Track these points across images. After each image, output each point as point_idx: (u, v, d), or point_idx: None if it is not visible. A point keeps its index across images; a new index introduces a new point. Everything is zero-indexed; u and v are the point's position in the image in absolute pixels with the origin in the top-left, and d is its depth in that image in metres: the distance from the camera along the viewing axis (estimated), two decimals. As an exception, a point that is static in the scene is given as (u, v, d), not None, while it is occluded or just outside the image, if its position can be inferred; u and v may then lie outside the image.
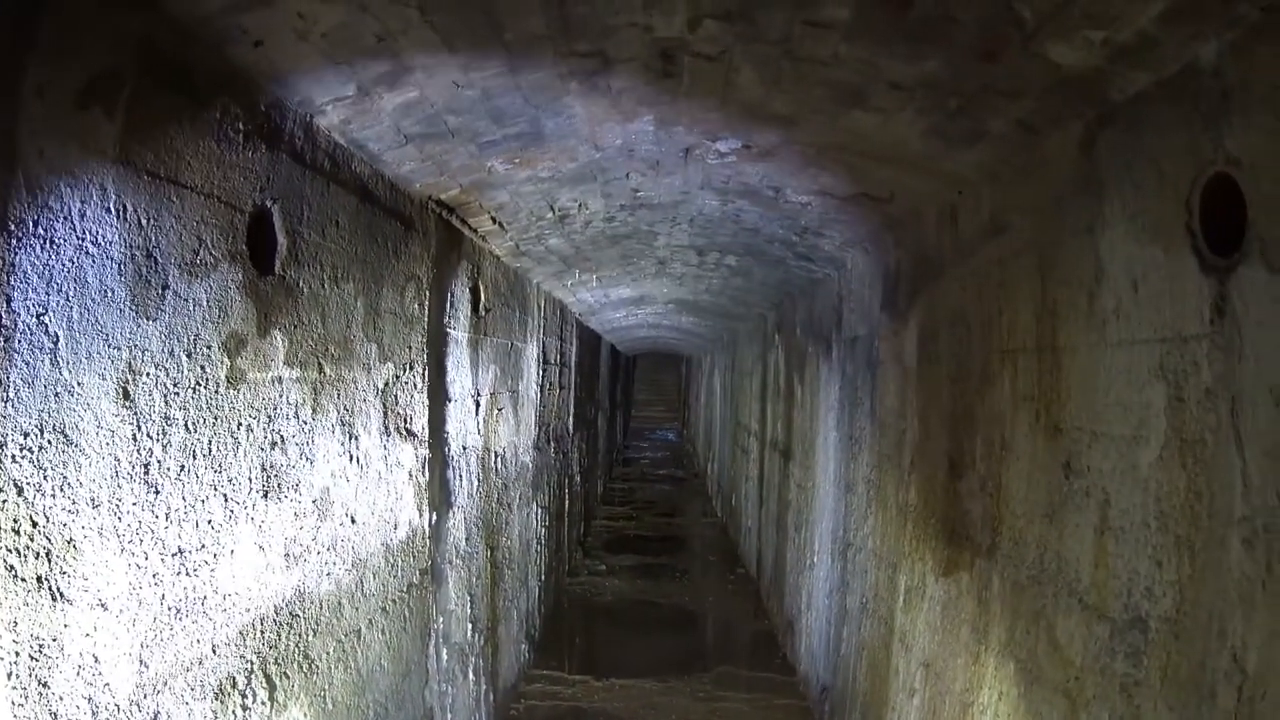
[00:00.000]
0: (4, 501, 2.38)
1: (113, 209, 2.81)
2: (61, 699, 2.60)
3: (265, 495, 3.87)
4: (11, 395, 2.40)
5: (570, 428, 15.14)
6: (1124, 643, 3.43)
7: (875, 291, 7.37)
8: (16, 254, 2.41)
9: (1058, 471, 4.01)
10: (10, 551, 2.40)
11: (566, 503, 14.87)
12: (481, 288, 7.68)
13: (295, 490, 4.17)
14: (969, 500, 5.09)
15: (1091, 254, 3.75)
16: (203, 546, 3.36)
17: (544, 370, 11.76)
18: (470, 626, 7.74)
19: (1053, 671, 4.00)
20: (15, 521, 2.42)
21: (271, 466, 3.92)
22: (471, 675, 7.80)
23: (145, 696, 3.01)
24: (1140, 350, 3.38)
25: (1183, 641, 3.08)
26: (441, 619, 6.72)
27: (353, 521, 4.86)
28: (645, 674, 10.84)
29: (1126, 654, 3.41)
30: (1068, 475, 3.92)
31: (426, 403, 6.13)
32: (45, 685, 2.53)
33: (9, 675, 2.40)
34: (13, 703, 2.41)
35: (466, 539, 7.53)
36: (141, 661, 2.99)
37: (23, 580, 2.44)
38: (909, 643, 6.17)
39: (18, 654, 2.43)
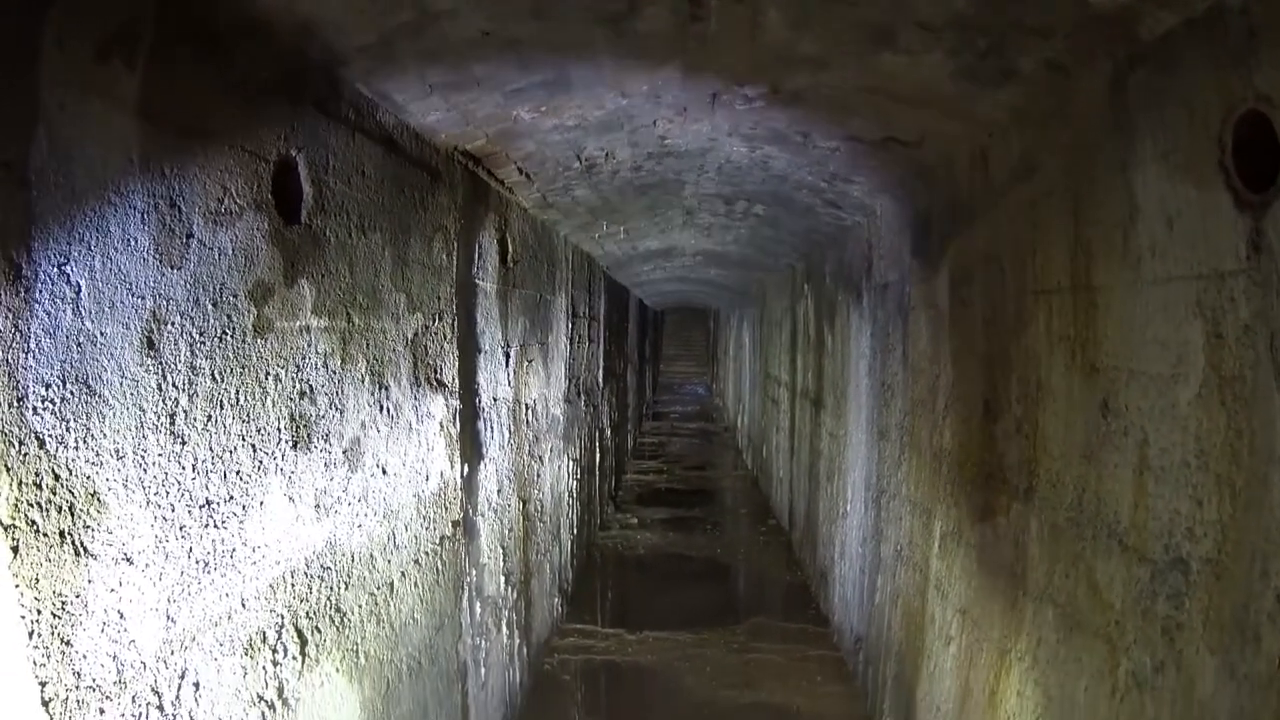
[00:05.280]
0: (25, 454, 2.33)
1: (135, 160, 2.77)
2: (85, 657, 2.55)
3: (294, 445, 3.83)
4: (33, 346, 2.36)
5: (600, 381, 15.11)
6: (1165, 585, 3.37)
7: (906, 237, 7.29)
8: (38, 205, 2.37)
9: (1095, 411, 3.94)
10: (32, 506, 2.35)
11: (597, 456, 14.87)
12: (509, 240, 7.62)
13: (325, 440, 4.14)
14: (1004, 443, 5.02)
15: (1124, 193, 3.67)
16: (231, 498, 3.32)
17: (573, 323, 11.72)
18: (503, 580, 7.73)
19: (1092, 616, 3.94)
20: (37, 475, 2.37)
21: (300, 416, 3.89)
22: (505, 629, 7.79)
23: (172, 653, 2.97)
24: (1176, 287, 3.31)
25: (1225, 583, 3.02)
26: (474, 572, 6.70)
27: (384, 472, 4.83)
28: (678, 626, 10.78)
29: (1167, 596, 3.35)
30: (1105, 415, 3.85)
31: (456, 354, 6.09)
32: (68, 644, 2.48)
33: (31, 634, 2.35)
34: (34, 662, 2.36)
35: (498, 491, 7.51)
36: (168, 617, 2.95)
37: (45, 535, 2.40)
38: (945, 590, 6.11)
39: (40, 612, 2.38)
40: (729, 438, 28.96)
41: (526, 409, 8.72)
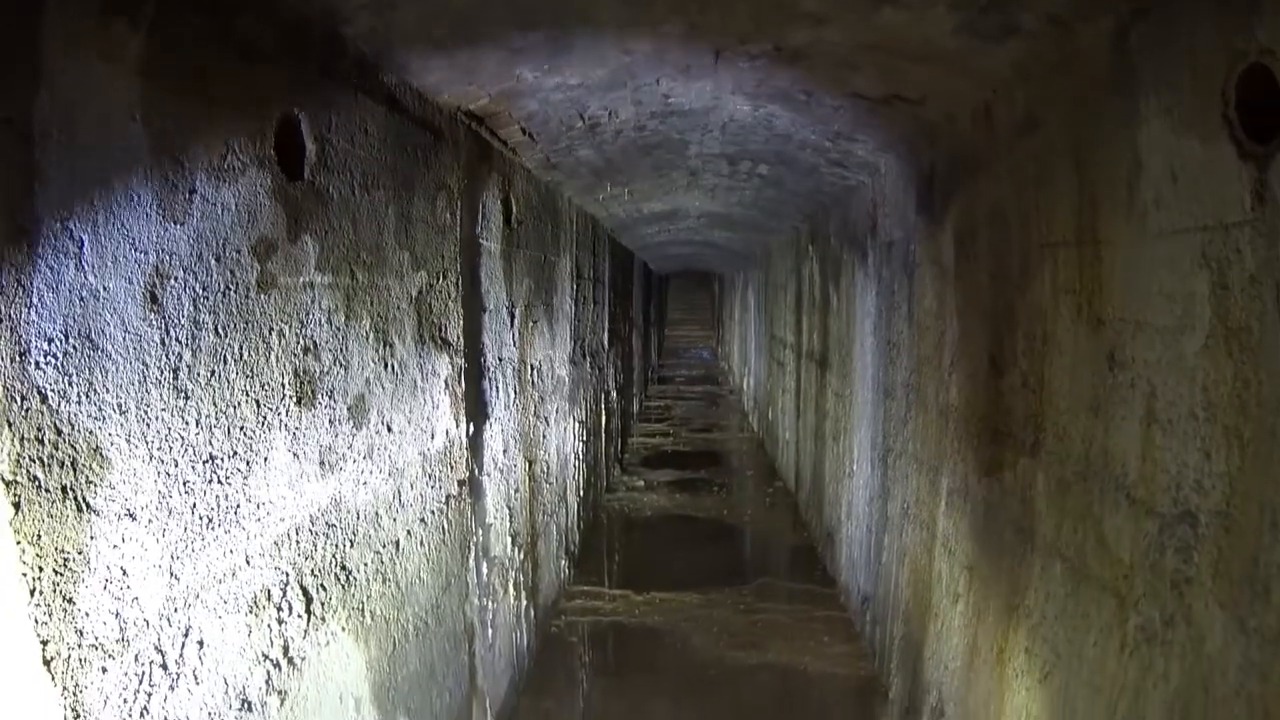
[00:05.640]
0: (27, 409, 2.31)
1: (138, 118, 2.76)
2: (87, 615, 2.54)
3: (299, 401, 3.82)
4: (35, 301, 2.34)
5: (605, 343, 15.10)
6: (1173, 538, 3.35)
7: (910, 195, 7.25)
8: (41, 161, 2.35)
9: (1102, 364, 3.92)
10: (33, 461, 2.33)
11: (603, 418, 14.87)
12: (512, 200, 7.59)
13: (330, 397, 4.13)
14: (1011, 397, 5.00)
15: (1128, 147, 3.65)
16: (235, 454, 3.31)
17: (578, 285, 11.68)
18: (510, 540, 7.73)
19: (1101, 570, 3.92)
20: (39, 430, 2.35)
21: (305, 372, 3.88)
22: (511, 590, 7.80)
23: (176, 610, 2.95)
24: (1182, 240, 3.29)
25: (1234, 536, 3.00)
26: (480, 532, 6.70)
27: (389, 430, 4.82)
28: (685, 588, 10.79)
29: (1176, 549, 3.33)
30: (1112, 367, 3.83)
31: (461, 312, 6.08)
32: (70, 601, 2.47)
33: (32, 591, 2.33)
34: (36, 620, 2.35)
35: (504, 451, 7.50)
36: (172, 574, 2.94)
37: (47, 491, 2.38)
38: (952, 547, 6.10)
39: (41, 569, 2.36)
40: (735, 400, 28.99)
41: (532, 370, 8.71)
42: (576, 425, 11.80)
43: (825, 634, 9.52)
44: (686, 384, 34.26)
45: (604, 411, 14.97)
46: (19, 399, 2.29)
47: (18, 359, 2.29)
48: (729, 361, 35.60)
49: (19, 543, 2.29)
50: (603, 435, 14.84)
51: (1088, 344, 4.07)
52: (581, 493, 12.25)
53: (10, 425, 2.26)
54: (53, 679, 2.40)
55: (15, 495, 2.28)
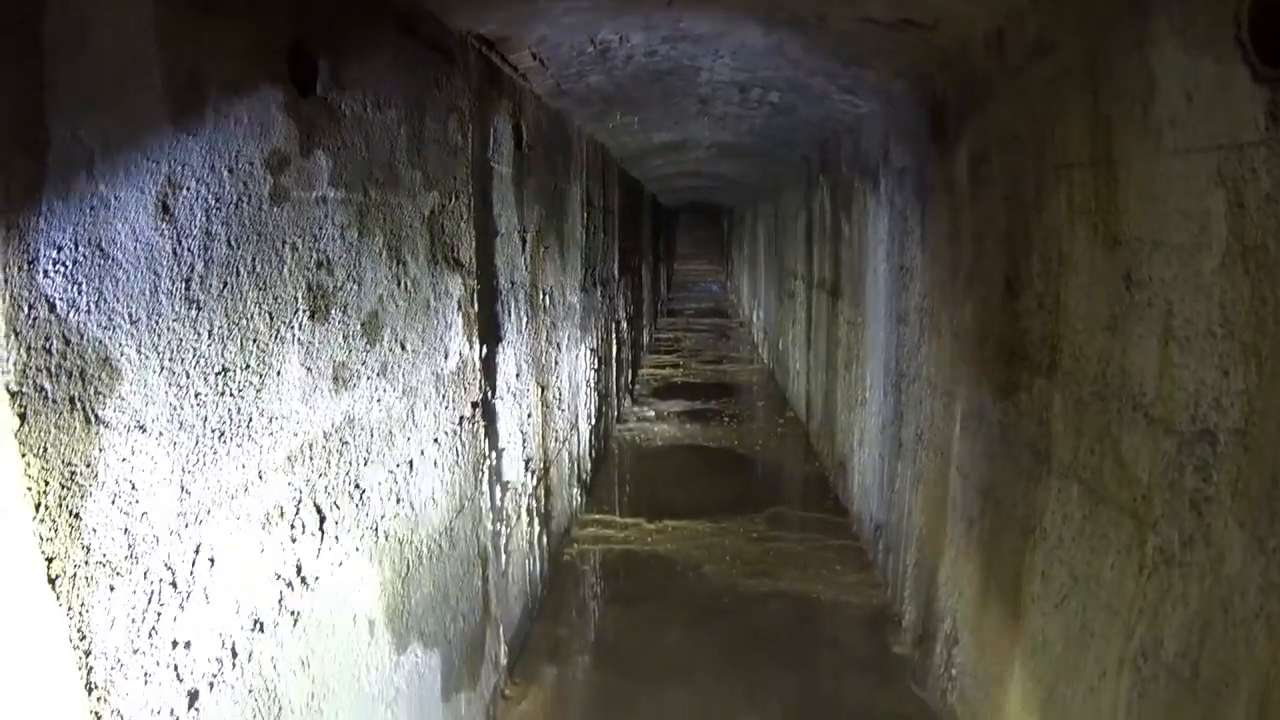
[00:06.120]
0: (34, 318, 2.26)
1: (151, 30, 2.70)
2: (95, 531, 2.48)
3: (312, 316, 3.77)
4: (44, 209, 2.29)
5: (615, 273, 15.04)
6: (1192, 457, 3.33)
7: (922, 121, 7.17)
8: (51, 71, 2.30)
9: (1118, 283, 3.88)
10: (40, 371, 2.28)
11: (614, 348, 14.84)
12: (523, 126, 7.50)
13: (343, 312, 4.08)
14: (1027, 319, 4.94)
15: (1143, 69, 3.62)
16: (248, 366, 3.26)
17: (588, 214, 11.59)
18: (523, 466, 7.72)
19: (1119, 491, 3.89)
20: (46, 339, 2.30)
21: (318, 287, 3.83)
22: (525, 516, 7.81)
23: (186, 526, 2.91)
24: (1197, 159, 3.27)
25: (1253, 454, 2.98)
26: (494, 455, 6.68)
27: (402, 348, 4.78)
28: (697, 516, 10.81)
29: (1195, 468, 3.31)
30: (1129, 287, 3.79)
31: (473, 234, 6.03)
32: (77, 516, 2.42)
33: (37, 507, 2.28)
34: (40, 537, 2.29)
35: (517, 375, 7.48)
36: (183, 488, 2.89)
37: (54, 402, 2.33)
38: (966, 471, 6.06)
39: (47, 483, 2.31)
40: (744, 333, 28.97)
41: (544, 295, 8.67)
42: (588, 353, 11.77)
43: (837, 562, 9.54)
44: (695, 317, 34.26)
45: (614, 341, 14.94)
46: (26, 308, 2.24)
47: (25, 267, 2.24)
48: (738, 294, 35.57)
49: (24, 455, 2.24)
50: (613, 365, 14.82)
51: (1104, 264, 4.03)
52: (593, 421, 12.25)
53: (17, 334, 2.21)
54: (58, 598, 2.35)
55: (21, 406, 2.23)
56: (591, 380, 12.10)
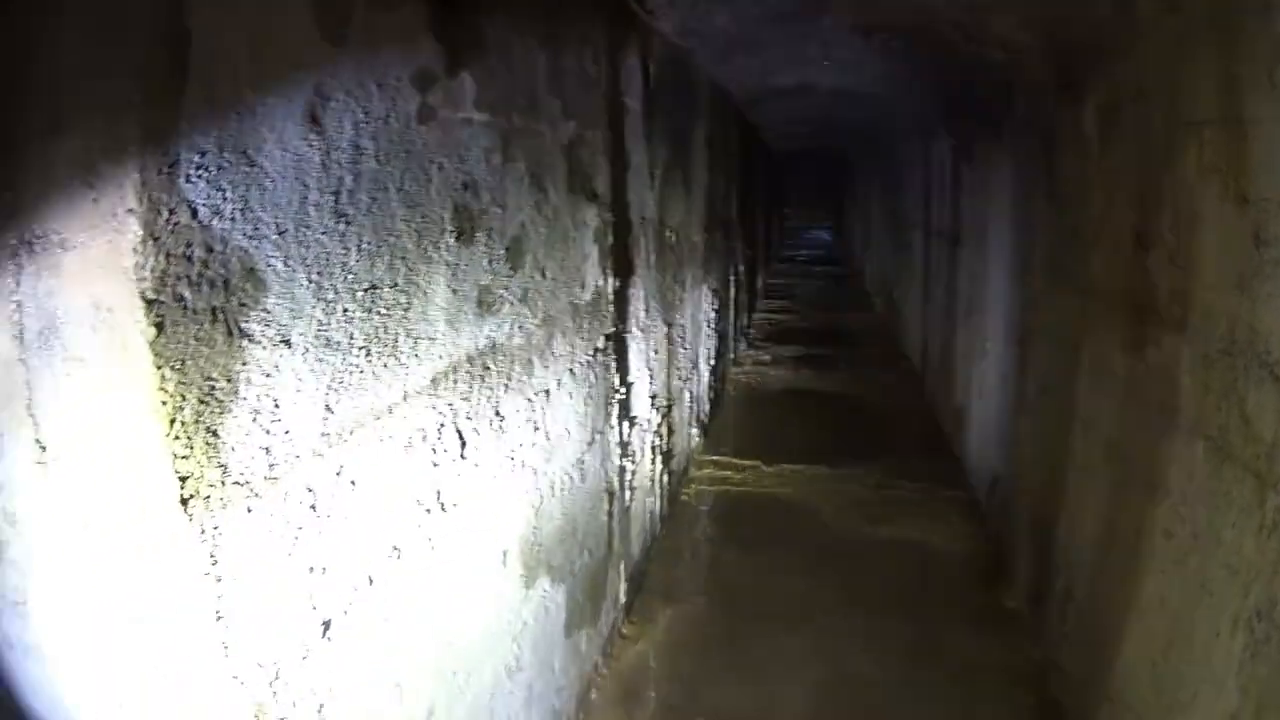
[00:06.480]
0: (175, 224, 2.06)
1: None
2: (234, 450, 2.29)
3: (458, 237, 3.58)
4: (187, 112, 2.10)
5: (734, 216, 14.83)
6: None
7: (1049, 72, 6.85)
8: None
9: (1248, 242, 3.66)
10: (179, 280, 2.08)
11: (731, 290, 14.64)
12: (650, 64, 7.31)
13: (488, 236, 3.90)
14: (1157, 274, 4.71)
15: (1268, 33, 3.43)
16: (395, 284, 3.08)
17: (710, 155, 11.37)
18: (649, 402, 7.56)
19: (1242, 448, 3.67)
20: (188, 246, 2.10)
21: (464, 208, 3.64)
22: (648, 453, 7.64)
23: (330, 447, 2.72)
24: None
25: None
26: (623, 390, 6.52)
27: (542, 275, 4.61)
28: (813, 460, 10.55)
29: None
30: (1258, 245, 3.58)
31: (608, 167, 5.86)
32: (214, 434, 2.22)
33: (172, 422, 2.09)
34: (175, 454, 2.10)
35: (646, 311, 7.29)
36: (327, 407, 2.70)
37: (195, 313, 2.14)
38: (1089, 425, 5.82)
39: (184, 397, 2.12)
40: (857, 280, 28.67)
41: (670, 232, 8.46)
42: (709, 293, 11.58)
43: (952, 513, 9.27)
44: (808, 263, 34.14)
45: (732, 284, 14.75)
46: (166, 213, 2.05)
47: (166, 170, 2.05)
48: (850, 242, 35.37)
49: (160, 368, 2.06)
50: (731, 307, 14.62)
51: (1234, 222, 3.81)
52: (712, 362, 12.05)
53: (155, 240, 2.02)
54: (190, 519, 2.16)
55: (158, 316, 2.04)
56: (711, 321, 11.89)
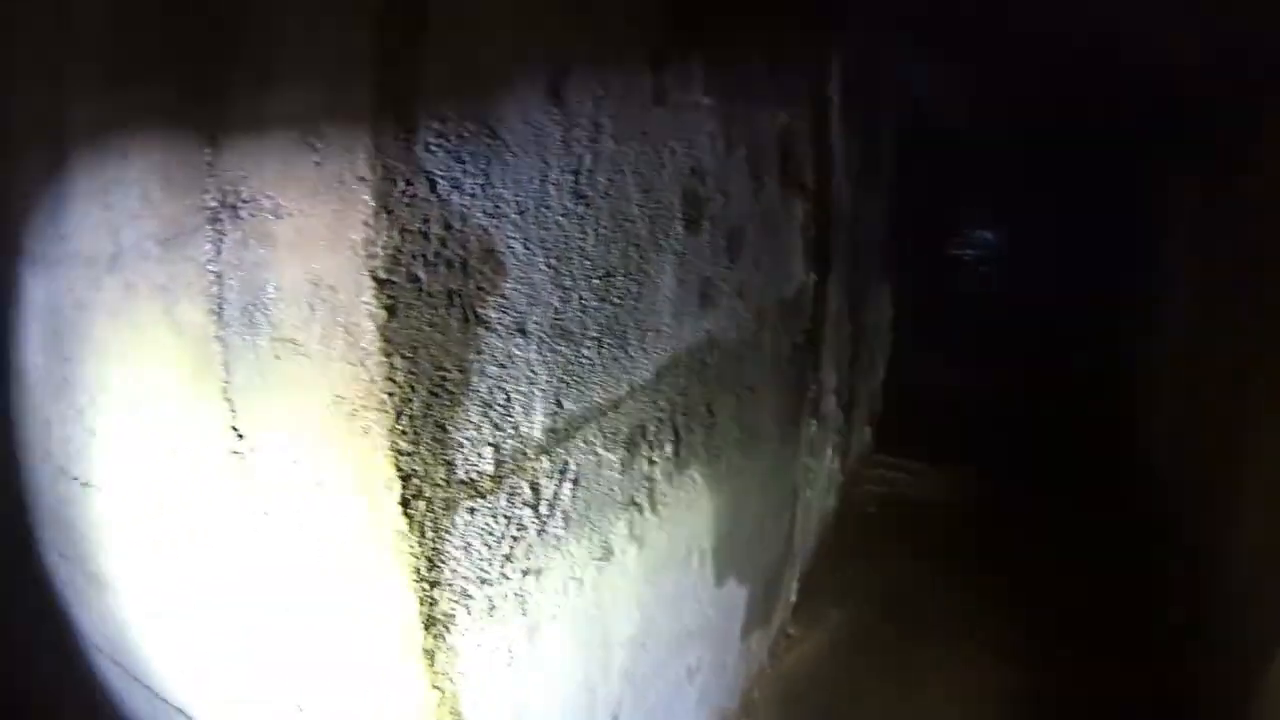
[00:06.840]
0: (412, 196, 1.89)
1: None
2: (461, 446, 2.10)
3: (686, 225, 3.37)
4: (427, 74, 1.91)
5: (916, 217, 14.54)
6: None
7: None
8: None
9: None
10: (415, 259, 1.90)
11: (911, 290, 14.34)
12: (846, 66, 7.12)
13: (712, 224, 3.68)
14: None
15: None
16: (628, 272, 2.87)
17: (897, 160, 11.10)
18: (835, 400, 7.33)
19: None
20: (425, 222, 1.92)
21: (692, 194, 3.43)
22: (830, 452, 7.41)
23: (557, 443, 2.53)
24: None
25: None
26: (815, 387, 6.29)
27: (756, 268, 4.39)
28: (986, 471, 10.16)
29: None
30: None
31: (814, 161, 5.64)
32: (442, 428, 2.03)
33: (398, 415, 1.90)
34: (399, 451, 1.92)
35: (838, 309, 7.06)
36: (558, 402, 2.50)
37: (429, 295, 1.95)
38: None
39: (414, 389, 1.94)
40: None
41: (861, 228, 8.21)
42: (890, 293, 11.30)
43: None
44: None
45: (912, 284, 14.43)
46: (403, 183, 1.87)
47: (403, 137, 1.86)
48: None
49: (389, 356, 1.87)
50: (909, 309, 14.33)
51: None
52: (887, 361, 11.76)
53: (390, 213, 1.85)
54: (410, 521, 1.98)
55: (390, 297, 1.86)
56: (891, 321, 11.61)
